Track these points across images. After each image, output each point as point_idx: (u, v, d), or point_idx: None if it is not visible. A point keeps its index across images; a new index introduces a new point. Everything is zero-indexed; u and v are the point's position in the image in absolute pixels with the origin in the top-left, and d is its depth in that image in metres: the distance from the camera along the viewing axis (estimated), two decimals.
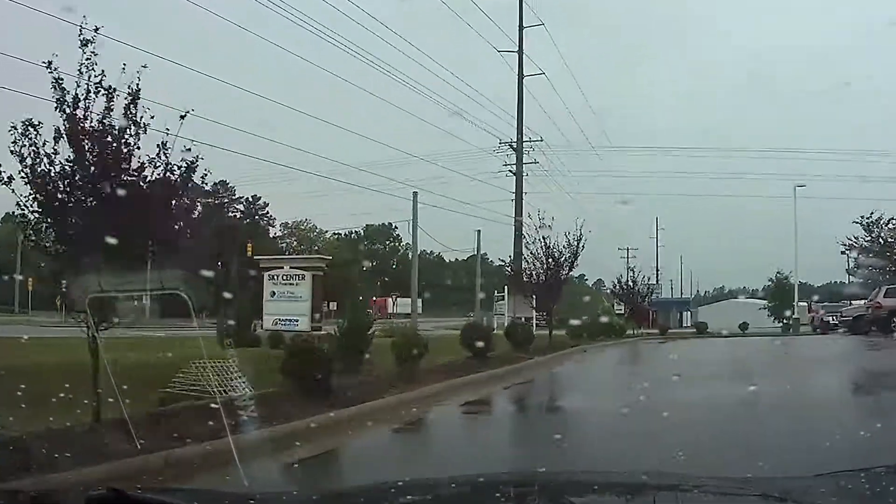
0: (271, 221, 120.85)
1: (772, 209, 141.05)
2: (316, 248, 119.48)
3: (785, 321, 60.71)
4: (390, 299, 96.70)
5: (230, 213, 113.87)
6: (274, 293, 27.98)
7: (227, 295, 30.18)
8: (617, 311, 77.62)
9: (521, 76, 59.57)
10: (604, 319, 47.00)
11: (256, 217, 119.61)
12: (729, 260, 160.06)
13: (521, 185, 64.59)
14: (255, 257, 36.88)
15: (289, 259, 33.20)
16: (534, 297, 34.37)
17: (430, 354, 20.23)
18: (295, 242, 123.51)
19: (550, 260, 33.14)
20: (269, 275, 28.18)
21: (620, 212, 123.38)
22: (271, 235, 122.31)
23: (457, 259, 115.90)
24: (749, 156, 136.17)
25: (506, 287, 52.72)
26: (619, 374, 26.44)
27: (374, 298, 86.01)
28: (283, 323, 27.85)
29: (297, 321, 27.68)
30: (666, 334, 59.43)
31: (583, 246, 33.28)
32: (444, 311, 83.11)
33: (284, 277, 27.94)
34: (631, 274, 61.80)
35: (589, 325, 40.99)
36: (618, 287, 61.21)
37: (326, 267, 29.20)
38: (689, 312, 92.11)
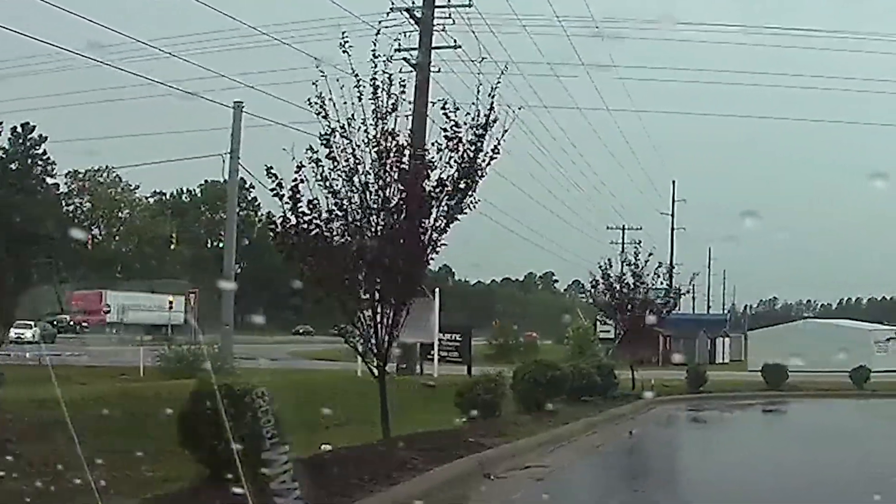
0: (51, 168, 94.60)
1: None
2: (120, 213, 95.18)
3: None
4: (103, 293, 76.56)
5: None
6: None
7: None
8: (601, 334, 55.88)
9: None
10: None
11: (29, 160, 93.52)
12: (787, 259, 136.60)
13: (426, 87, 41.98)
14: None
15: None
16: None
17: None
18: (88, 203, 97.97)
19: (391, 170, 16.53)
20: None
21: (620, 167, 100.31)
22: (57, 191, 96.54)
23: None
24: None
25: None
26: None
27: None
28: None
29: None
30: (703, 385, 39.51)
31: (501, 141, 16.89)
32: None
33: None
34: (631, 265, 36.26)
35: (533, 374, 24.66)
36: (601, 288, 35.93)
37: None
38: (726, 339, 75.69)
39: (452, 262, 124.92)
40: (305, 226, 16.32)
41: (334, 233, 16.37)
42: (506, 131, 17.11)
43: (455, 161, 16.41)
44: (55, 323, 70.53)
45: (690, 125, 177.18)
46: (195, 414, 12.28)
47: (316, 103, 16.03)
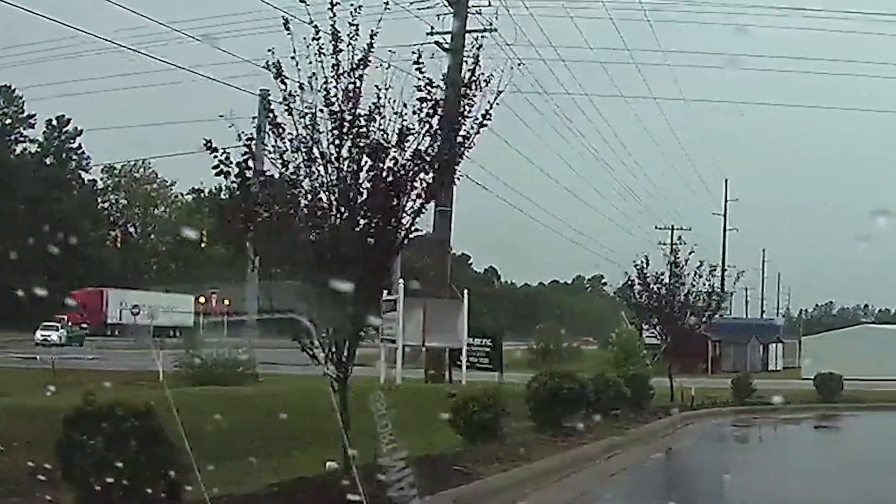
0: (86, 162, 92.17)
1: None
2: (156, 210, 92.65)
3: None
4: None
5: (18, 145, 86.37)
6: None
7: None
8: (647, 339, 52.49)
9: None
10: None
11: (64, 155, 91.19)
12: (844, 261, 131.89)
13: (459, 73, 37.46)
14: None
15: None
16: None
17: None
18: (124, 199, 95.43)
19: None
20: None
21: (671, 167, 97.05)
22: (95, 186, 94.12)
23: None
24: None
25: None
26: None
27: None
28: None
29: None
30: (749, 396, 35.86)
31: (493, 105, 14.22)
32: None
33: None
34: (670, 263, 33.80)
35: (548, 387, 21.64)
36: (637, 289, 33.39)
37: None
38: (778, 345, 71.81)
39: (499, 264, 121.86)
40: (255, 207, 13.69)
41: (288, 214, 13.72)
42: (500, 93, 14.38)
43: (432, 128, 13.58)
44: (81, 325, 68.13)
45: (743, 122, 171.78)
46: (70, 441, 10.28)
47: (273, 65, 13.38)
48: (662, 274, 32.37)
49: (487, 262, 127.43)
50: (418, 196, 13.65)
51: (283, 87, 13.43)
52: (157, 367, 34.66)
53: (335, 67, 13.18)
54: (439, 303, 36.20)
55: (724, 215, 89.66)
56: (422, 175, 13.59)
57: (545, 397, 20.96)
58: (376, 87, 13.29)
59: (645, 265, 32.48)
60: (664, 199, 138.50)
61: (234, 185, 13.94)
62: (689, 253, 33.42)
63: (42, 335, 64.48)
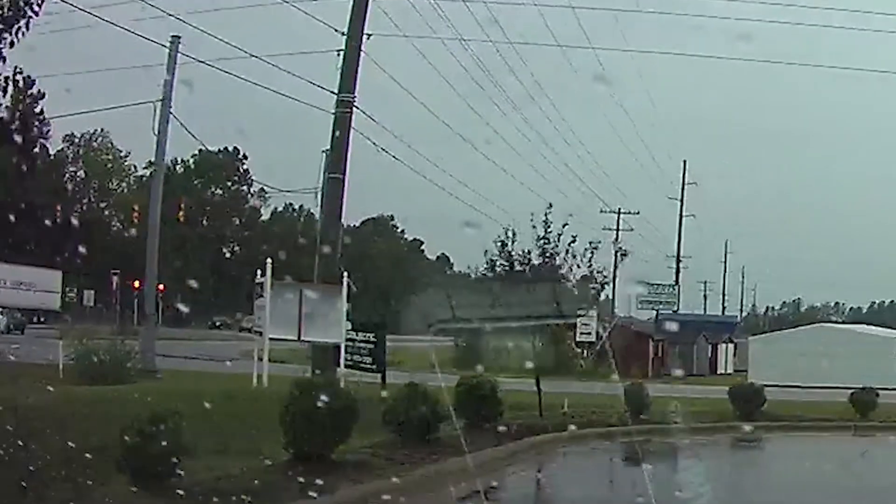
0: (46, 130, 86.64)
1: None
2: (113, 183, 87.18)
3: None
4: None
5: None
6: None
7: None
8: (581, 337, 47.61)
9: None
10: None
11: (29, 122, 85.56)
12: (814, 256, 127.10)
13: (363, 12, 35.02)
14: None
15: None
16: None
17: None
18: (82, 171, 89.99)
19: None
20: None
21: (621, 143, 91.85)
22: (56, 155, 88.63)
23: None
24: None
25: None
26: None
27: None
28: None
29: None
30: (643, 412, 28.93)
31: None
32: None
33: None
34: (541, 239, 28.94)
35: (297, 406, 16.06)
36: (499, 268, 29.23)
37: None
38: (729, 345, 65.83)
39: (451, 251, 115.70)
40: None
41: None
42: None
43: None
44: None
45: (707, 109, 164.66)
46: None
47: None
48: (530, 252, 26.76)
49: (440, 248, 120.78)
50: None
51: None
52: (47, 358, 30.08)
53: None
54: (317, 289, 30.96)
55: (682, 199, 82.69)
56: None
57: (298, 419, 15.37)
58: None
59: (510, 240, 26.86)
60: (618, 184, 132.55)
61: None
62: (564, 225, 27.71)
63: None
